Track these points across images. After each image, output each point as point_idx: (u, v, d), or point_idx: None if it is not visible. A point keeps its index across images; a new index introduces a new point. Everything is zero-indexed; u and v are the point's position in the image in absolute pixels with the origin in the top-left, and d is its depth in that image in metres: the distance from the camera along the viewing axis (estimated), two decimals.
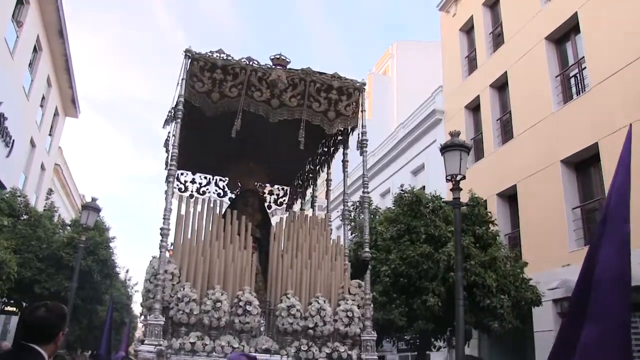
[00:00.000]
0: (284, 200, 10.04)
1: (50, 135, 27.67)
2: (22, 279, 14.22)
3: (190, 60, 6.89)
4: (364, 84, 7.56)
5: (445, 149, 10.51)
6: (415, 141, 25.39)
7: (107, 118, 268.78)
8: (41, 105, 24.79)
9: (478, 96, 21.64)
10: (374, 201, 23.99)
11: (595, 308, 2.56)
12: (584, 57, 16.60)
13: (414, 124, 25.69)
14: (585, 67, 16.50)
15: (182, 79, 6.89)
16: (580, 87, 16.80)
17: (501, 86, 20.57)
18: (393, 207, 14.80)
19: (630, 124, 3.22)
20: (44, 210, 20.31)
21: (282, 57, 7.23)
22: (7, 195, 17.48)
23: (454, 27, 24.44)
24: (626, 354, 2.54)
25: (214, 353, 5.91)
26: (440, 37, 26.31)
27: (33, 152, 24.72)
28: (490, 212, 15.16)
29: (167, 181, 6.68)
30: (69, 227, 19.46)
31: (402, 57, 42.75)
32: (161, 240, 6.30)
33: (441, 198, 14.09)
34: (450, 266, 11.46)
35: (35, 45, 21.80)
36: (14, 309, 19.49)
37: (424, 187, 21.49)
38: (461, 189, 10.68)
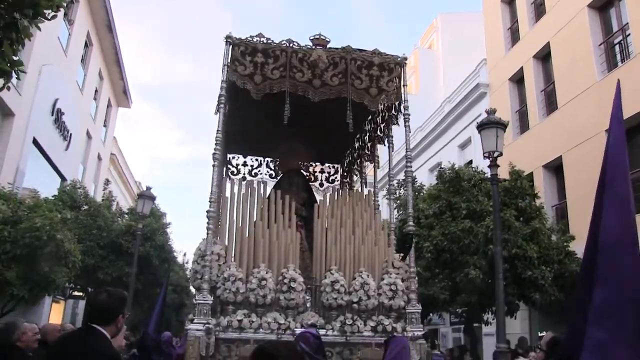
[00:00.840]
0: (335, 178, 10.00)
1: (104, 126, 28.36)
2: (86, 266, 14.69)
3: (231, 45, 6.94)
4: (405, 59, 7.44)
5: (481, 126, 10.66)
6: (461, 115, 25.09)
7: (159, 104, 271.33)
8: (94, 98, 25.41)
9: (521, 68, 21.27)
10: (424, 175, 23.94)
11: (602, 272, 2.49)
12: (627, 23, 16.08)
13: (459, 98, 25.38)
14: (629, 34, 15.98)
15: (225, 65, 6.91)
16: (624, 54, 16.32)
17: (544, 57, 20.14)
18: (435, 184, 14.84)
19: (618, 80, 3.01)
20: (103, 200, 20.94)
21: (322, 37, 7.19)
22: (68, 187, 18.19)
23: None
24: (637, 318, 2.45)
25: (260, 329, 5.99)
26: (482, 8, 25.76)
27: (89, 144, 25.39)
28: (533, 185, 15.07)
29: (213, 165, 6.70)
30: (126, 216, 19.98)
31: (447, 29, 42.03)
32: (208, 223, 6.37)
33: (483, 173, 13.95)
34: (489, 239, 11.50)
35: (86, 41, 22.35)
36: (81, 293, 20.16)
37: (471, 160, 21.28)
38: (498, 165, 10.70)
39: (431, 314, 18.30)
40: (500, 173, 14.12)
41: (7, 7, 4.75)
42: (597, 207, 2.71)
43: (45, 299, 17.34)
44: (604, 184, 2.68)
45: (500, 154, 10.56)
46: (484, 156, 10.95)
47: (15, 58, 5.11)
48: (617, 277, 2.45)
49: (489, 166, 10.84)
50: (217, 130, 6.77)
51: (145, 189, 18.02)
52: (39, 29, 5.40)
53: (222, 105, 6.85)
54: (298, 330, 5.72)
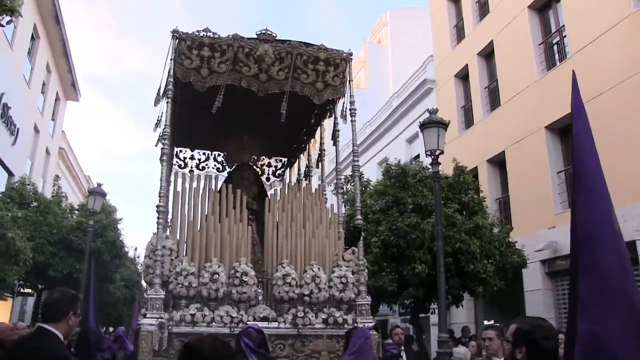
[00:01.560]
0: (283, 172, 9.99)
1: (52, 120, 27.77)
2: (36, 264, 14.71)
3: (177, 40, 6.84)
4: (351, 54, 7.45)
5: (424, 125, 11.08)
6: (409, 110, 25.38)
7: (107, 94, 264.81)
8: (42, 92, 24.82)
9: (466, 65, 21.68)
10: (372, 169, 24.13)
11: (583, 263, 2.45)
12: (564, 25, 16.66)
13: (406, 93, 25.66)
14: (565, 35, 16.59)
15: (171, 59, 6.83)
16: (562, 54, 16.88)
17: (488, 55, 20.61)
18: (382, 180, 15.08)
19: (573, 70, 3.04)
20: (52, 196, 20.68)
21: (269, 32, 7.17)
22: (17, 184, 17.99)
23: None
24: (627, 306, 2.39)
25: (213, 323, 5.93)
26: (429, 6, 26.08)
27: (37, 138, 24.81)
28: (475, 180, 15.51)
29: (161, 160, 6.63)
30: (77, 212, 19.86)
31: (396, 24, 42.01)
32: (158, 218, 6.32)
33: (428, 168, 14.05)
34: (434, 235, 11.64)
35: (32, 34, 21.73)
36: (30, 290, 19.82)
37: (418, 155, 21.55)
38: (439, 163, 11.03)
39: (380, 306, 18.60)
40: (446, 168, 14.68)
41: None
42: (573, 200, 2.66)
43: None
44: (574, 175, 2.64)
45: (442, 152, 10.92)
46: (426, 154, 11.33)
47: None
48: (599, 268, 2.40)
49: (430, 164, 11.20)
50: (165, 125, 6.68)
51: (95, 184, 17.84)
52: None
53: (168, 99, 6.75)
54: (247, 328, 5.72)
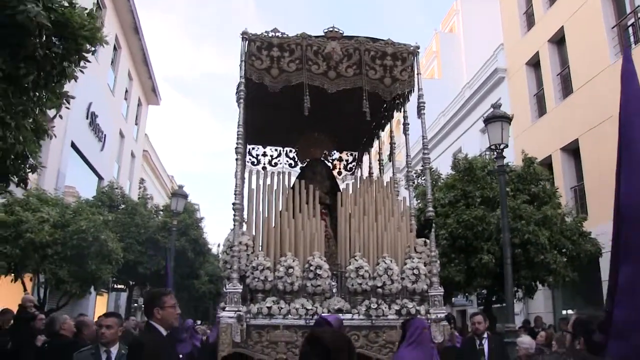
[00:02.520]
0: (354, 166, 9.99)
1: (136, 124, 28.77)
2: (127, 262, 15.39)
3: (247, 42, 6.93)
4: (418, 48, 7.36)
5: (487, 121, 10.93)
6: (482, 100, 24.83)
7: (188, 95, 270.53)
8: (125, 98, 25.76)
9: (537, 52, 20.99)
10: (447, 159, 23.81)
11: (625, 244, 2.24)
12: (639, 6, 15.86)
13: (478, 83, 25.14)
14: None
15: (242, 61, 6.93)
16: (637, 36, 16.12)
17: (559, 41, 19.89)
18: (451, 173, 15.03)
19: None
20: (139, 198, 21.89)
21: (336, 30, 7.17)
22: (107, 188, 19.09)
23: None
24: None
25: (289, 315, 6.05)
26: None
27: (123, 143, 25.78)
28: (546, 171, 15.13)
29: (236, 159, 6.75)
30: (161, 212, 20.55)
31: (467, 12, 40.55)
32: (234, 214, 6.44)
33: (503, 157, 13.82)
34: (500, 227, 11.55)
35: (115, 45, 22.53)
36: (123, 286, 20.77)
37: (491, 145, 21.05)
38: (504, 157, 10.94)
39: (458, 296, 18.48)
40: (517, 159, 14.59)
41: (60, 57, 5.18)
42: (617, 175, 2.39)
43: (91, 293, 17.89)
44: (621, 147, 2.38)
45: (507, 146, 10.78)
46: (490, 148, 11.24)
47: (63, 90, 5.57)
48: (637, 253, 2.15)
49: (495, 158, 11.07)
50: (239, 124, 6.80)
51: (178, 184, 18.40)
52: (82, 72, 5.81)
53: (242, 100, 6.86)
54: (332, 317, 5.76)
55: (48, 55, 5.04)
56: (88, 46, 5.47)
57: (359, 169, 9.92)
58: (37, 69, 5.03)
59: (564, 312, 17.59)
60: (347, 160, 10.02)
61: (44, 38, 4.86)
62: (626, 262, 2.22)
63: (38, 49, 4.81)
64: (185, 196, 17.18)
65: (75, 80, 5.74)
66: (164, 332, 4.36)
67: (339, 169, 9.88)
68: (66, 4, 5.10)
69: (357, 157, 10.05)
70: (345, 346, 2.72)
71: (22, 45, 4.73)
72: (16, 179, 5.63)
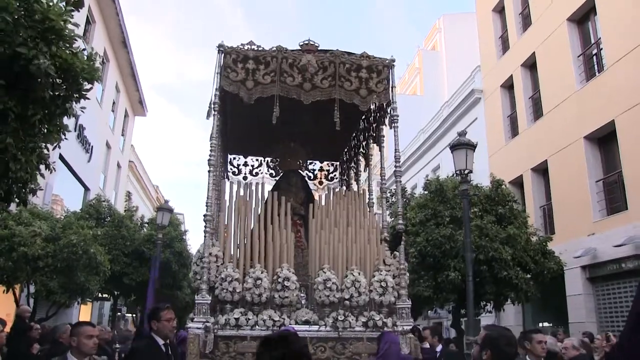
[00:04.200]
0: (334, 176, 9.86)
1: (122, 135, 28.58)
2: (113, 273, 15.53)
3: (223, 54, 6.82)
4: (393, 61, 7.21)
5: (453, 147, 11.27)
6: (459, 119, 25.20)
7: (175, 103, 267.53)
8: (112, 110, 25.63)
9: (511, 75, 21.40)
10: (428, 175, 23.98)
11: None
12: (600, 38, 16.44)
13: (456, 102, 25.33)
14: (602, 48, 16.35)
15: (217, 73, 6.83)
16: (600, 66, 16.56)
17: (531, 65, 20.33)
18: (423, 194, 15.51)
19: None
20: (125, 211, 21.84)
21: (311, 43, 7.08)
22: (94, 201, 19.09)
23: (488, 7, 24.09)
24: None
25: (256, 326, 5.95)
26: (476, 16, 25.73)
27: (109, 154, 25.61)
28: (512, 192, 15.58)
29: (208, 171, 6.62)
30: (147, 225, 20.72)
31: (449, 31, 40.90)
32: (205, 226, 6.34)
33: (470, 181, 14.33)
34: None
35: (103, 58, 22.36)
36: (106, 295, 20.84)
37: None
38: (469, 181, 11.33)
39: (429, 312, 18.93)
40: (486, 181, 15.37)
41: (63, 98, 5.63)
42: None
43: (79, 303, 18.16)
44: None
45: (471, 172, 11.15)
46: (456, 174, 11.63)
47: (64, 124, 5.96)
48: None
49: (460, 182, 11.37)
50: (211, 137, 6.69)
51: (162, 196, 18.48)
52: (82, 111, 6.37)
53: (215, 112, 6.75)
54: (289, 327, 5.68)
55: (53, 97, 5.47)
56: (87, 85, 5.77)
57: (341, 180, 9.79)
58: (43, 108, 5.46)
59: (540, 325, 17.80)
60: (328, 171, 9.89)
61: (50, 82, 5.31)
62: None
63: (45, 92, 5.26)
64: (170, 210, 17.37)
65: (76, 117, 6.00)
66: (161, 342, 4.97)
67: (320, 179, 9.77)
68: (69, 52, 5.45)
69: (337, 167, 9.93)
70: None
71: (32, 89, 5.18)
72: (17, 200, 5.92)
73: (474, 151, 11.44)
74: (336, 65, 6.93)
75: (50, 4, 5.23)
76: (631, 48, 14.55)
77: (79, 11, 5.83)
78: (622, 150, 14.77)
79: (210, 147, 6.71)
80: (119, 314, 24.59)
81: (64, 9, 5.42)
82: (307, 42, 7.08)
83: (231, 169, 9.36)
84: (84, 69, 5.55)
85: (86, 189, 21.85)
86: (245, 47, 6.88)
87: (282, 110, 6.71)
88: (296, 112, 7.31)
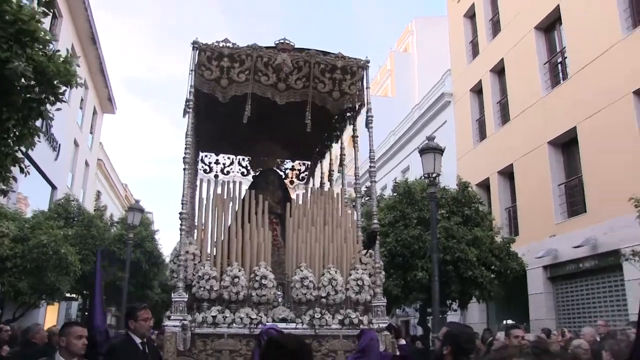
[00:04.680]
0: (306, 175, 9.84)
1: (91, 133, 28.03)
2: (83, 273, 15.33)
3: (197, 51, 6.72)
4: (368, 62, 7.14)
5: (422, 151, 11.56)
6: (429, 121, 25.47)
7: (148, 100, 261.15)
8: (81, 107, 25.14)
9: (480, 80, 21.70)
10: (397, 177, 24.17)
11: None
12: (565, 47, 16.91)
13: (427, 105, 25.53)
14: (567, 57, 16.82)
15: (192, 70, 6.75)
16: (565, 74, 17.03)
17: (500, 71, 20.69)
18: (392, 195, 15.92)
19: None
20: (94, 210, 21.49)
21: (287, 42, 6.99)
22: (62, 200, 18.74)
23: (459, 12, 24.36)
24: None
25: (234, 324, 5.93)
26: (448, 22, 25.99)
27: (77, 152, 25.13)
28: (478, 195, 16.12)
29: (184, 169, 6.54)
30: (117, 225, 20.65)
31: (421, 34, 40.84)
32: (181, 224, 6.27)
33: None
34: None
35: (70, 53, 21.85)
36: (74, 295, 20.60)
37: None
38: (436, 184, 11.63)
39: (398, 310, 19.21)
40: (454, 183, 15.74)
41: (37, 101, 5.55)
42: None
43: (50, 303, 17.95)
44: None
45: (438, 175, 11.45)
46: (424, 177, 11.97)
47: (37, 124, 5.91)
48: None
49: (428, 185, 11.70)
50: (187, 134, 6.62)
51: (131, 191, 18.33)
52: (56, 111, 6.07)
53: (189, 110, 6.68)
54: (265, 328, 5.75)
55: (27, 100, 5.43)
56: (62, 88, 5.71)
57: (312, 179, 9.77)
58: (17, 112, 5.40)
59: (504, 322, 18.14)
60: (299, 170, 9.85)
61: (24, 85, 5.31)
62: None
63: (19, 96, 5.26)
64: (141, 210, 17.32)
65: (51, 120, 6.06)
66: (138, 341, 5.12)
67: (292, 178, 9.73)
68: (42, 53, 5.39)
69: (309, 167, 9.88)
70: (308, 348, 2.79)
71: (6, 93, 5.14)
72: None
73: (442, 155, 11.72)
74: (311, 66, 6.88)
75: (21, 4, 5.16)
76: (593, 58, 15.00)
77: (50, 12, 5.78)
78: (582, 156, 15.29)
79: (186, 144, 6.62)
80: (87, 313, 24.25)
81: (35, 9, 5.35)
82: (282, 40, 7.01)
83: (202, 166, 9.22)
84: (60, 72, 5.49)
85: (53, 187, 21.37)
86: (220, 45, 6.76)
87: (256, 107, 6.68)
88: (270, 110, 7.29)
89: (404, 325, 26.00)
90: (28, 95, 5.45)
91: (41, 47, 5.39)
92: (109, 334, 5.45)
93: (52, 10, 5.91)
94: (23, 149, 6.00)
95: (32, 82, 5.40)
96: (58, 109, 6.05)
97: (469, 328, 3.99)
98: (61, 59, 5.64)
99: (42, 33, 5.33)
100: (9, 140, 5.63)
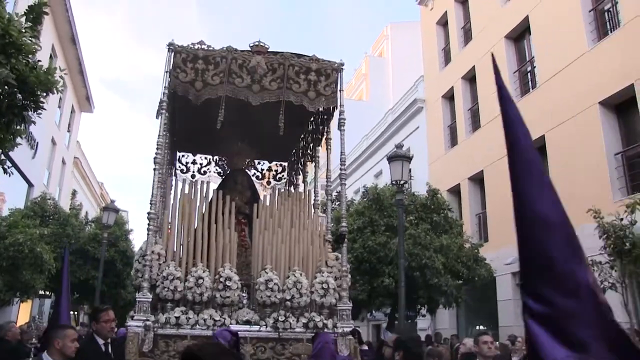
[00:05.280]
0: (282, 176, 9.72)
1: (68, 131, 27.66)
2: (57, 270, 15.16)
3: (173, 53, 6.62)
4: (342, 64, 7.11)
5: (390, 159, 11.62)
6: (402, 127, 25.38)
7: (126, 98, 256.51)
8: (59, 106, 24.71)
9: (452, 87, 21.78)
10: (369, 182, 24.14)
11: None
12: (534, 57, 17.10)
13: (400, 110, 25.50)
14: (535, 66, 17.01)
15: (166, 72, 6.62)
16: (533, 83, 17.18)
17: (471, 79, 20.78)
18: (362, 200, 15.80)
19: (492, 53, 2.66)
20: (70, 209, 21.55)
21: (262, 44, 6.93)
22: (39, 199, 18.70)
23: (432, 20, 24.43)
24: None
25: (197, 326, 5.83)
26: (420, 29, 26.04)
27: (54, 150, 24.77)
28: (447, 201, 16.06)
29: (154, 169, 6.41)
30: (92, 224, 20.46)
31: (396, 39, 40.57)
32: (149, 224, 6.16)
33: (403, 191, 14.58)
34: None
35: (50, 54, 21.60)
36: (47, 292, 20.39)
37: (409, 169, 21.48)
38: (403, 191, 11.72)
39: (373, 312, 19.20)
40: (425, 188, 15.69)
41: (19, 108, 5.81)
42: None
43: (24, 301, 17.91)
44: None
45: (406, 182, 11.58)
46: (392, 184, 11.91)
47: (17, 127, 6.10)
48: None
49: (396, 192, 11.65)
50: (159, 135, 6.49)
51: (107, 190, 18.21)
52: (39, 116, 6.42)
53: (163, 111, 6.56)
54: (218, 331, 5.56)
55: (10, 106, 5.66)
56: (43, 95, 5.94)
57: (289, 180, 9.64)
58: (1, 117, 5.64)
59: (477, 328, 18.23)
60: (276, 171, 9.73)
61: (7, 92, 5.55)
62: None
63: (2, 101, 5.49)
64: (116, 210, 17.35)
65: (34, 124, 6.51)
66: (101, 342, 5.13)
67: (268, 178, 9.60)
68: (26, 63, 5.64)
69: (285, 168, 9.77)
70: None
71: None
72: None
73: (410, 163, 11.80)
74: (285, 68, 6.83)
75: (10, 19, 5.46)
76: (560, 68, 15.18)
77: (37, 27, 6.08)
78: (550, 164, 15.35)
79: (157, 145, 6.51)
80: (52, 311, 23.98)
81: (23, 23, 5.66)
82: (257, 43, 6.94)
83: (179, 166, 9.15)
84: (41, 81, 5.73)
85: (30, 185, 21.06)
86: (196, 47, 6.73)
87: (231, 109, 6.60)
88: (245, 112, 7.18)
89: (375, 330, 25.90)
90: (11, 102, 5.66)
91: (25, 56, 5.63)
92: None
93: (40, 25, 6.13)
94: (5, 150, 6.18)
95: (15, 90, 5.61)
96: (39, 114, 6.26)
97: (415, 333, 4.23)
98: (43, 70, 5.90)
99: (28, 46, 5.62)
100: None
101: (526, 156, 2.10)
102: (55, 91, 6.08)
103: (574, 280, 1.90)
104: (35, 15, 6.05)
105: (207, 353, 2.37)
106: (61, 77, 6.22)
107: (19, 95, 5.72)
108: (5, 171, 6.36)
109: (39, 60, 6.07)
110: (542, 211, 1.97)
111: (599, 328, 1.87)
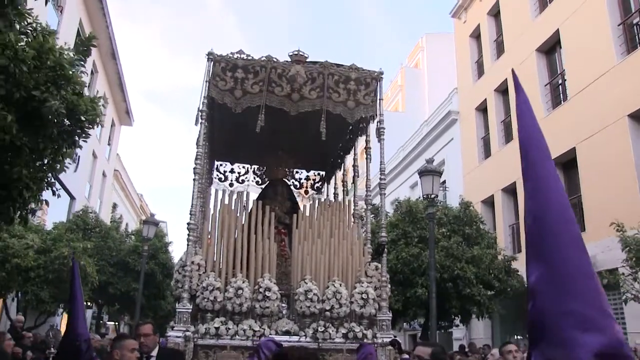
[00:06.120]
0: (320, 185, 9.53)
1: (109, 145, 28.18)
2: (99, 282, 15.66)
3: (212, 62, 6.59)
4: (382, 74, 6.99)
5: (421, 174, 12.02)
6: (437, 138, 25.31)
7: (163, 108, 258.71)
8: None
9: (485, 99, 21.64)
10: (405, 192, 23.97)
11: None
12: (565, 70, 16.98)
13: (434, 122, 25.37)
14: (566, 79, 16.85)
15: (205, 81, 6.60)
16: (564, 95, 17.03)
17: (504, 91, 20.59)
18: (394, 213, 15.98)
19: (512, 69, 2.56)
20: (111, 222, 21.97)
21: (301, 54, 6.83)
22: (81, 212, 19.20)
23: (465, 33, 24.28)
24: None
25: (236, 336, 5.74)
26: (454, 41, 25.87)
27: (95, 163, 25.23)
28: (479, 214, 16.08)
29: (193, 179, 6.36)
30: (132, 237, 20.81)
31: (431, 50, 40.04)
32: (188, 234, 6.11)
33: (436, 204, 14.52)
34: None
35: (92, 70, 22.01)
36: (90, 303, 20.93)
37: (444, 181, 21.26)
38: (435, 205, 12.04)
39: (410, 322, 19.12)
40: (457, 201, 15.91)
41: (68, 133, 6.00)
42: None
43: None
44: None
45: (437, 196, 11.91)
46: (423, 197, 12.26)
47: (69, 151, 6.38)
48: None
49: (427, 206, 11.91)
50: (198, 145, 6.45)
51: (146, 201, 18.55)
52: (85, 141, 6.49)
53: (202, 121, 6.51)
54: (263, 340, 5.56)
55: (60, 132, 5.88)
56: (89, 125, 6.17)
57: (326, 189, 9.49)
58: (52, 143, 5.87)
59: (515, 337, 17.92)
60: (314, 180, 9.53)
61: (58, 120, 5.79)
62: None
63: (54, 129, 5.70)
64: (155, 224, 17.49)
65: (80, 148, 6.76)
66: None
67: (306, 187, 9.44)
68: (73, 91, 5.83)
69: (324, 177, 9.58)
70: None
71: (42, 126, 5.61)
72: (18, 219, 6.33)
73: (440, 177, 12.08)
74: (325, 77, 6.71)
75: (62, 52, 5.65)
76: (590, 82, 15.03)
77: (85, 61, 6.35)
78: (581, 175, 15.26)
79: (196, 155, 6.48)
80: (100, 322, 24.30)
81: (73, 56, 5.87)
82: (296, 52, 6.84)
83: (217, 175, 9.02)
84: (87, 110, 5.97)
85: (72, 198, 21.51)
86: (235, 56, 6.65)
87: (271, 118, 6.51)
88: (284, 121, 7.08)
89: (412, 340, 25.61)
90: (62, 128, 5.91)
91: (74, 87, 5.84)
92: (90, 343, 5.06)
93: (87, 57, 6.36)
94: (56, 174, 6.51)
95: (64, 119, 5.89)
96: (85, 140, 6.44)
97: (442, 347, 4.08)
98: (89, 98, 6.18)
99: (77, 77, 5.86)
100: (44, 167, 6.15)
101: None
102: (100, 124, 6.36)
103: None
104: (84, 48, 6.31)
105: (296, 355, 2.49)
106: (103, 105, 6.48)
107: (67, 121, 5.91)
108: (54, 193, 6.60)
109: (87, 85, 6.39)
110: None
111: None
